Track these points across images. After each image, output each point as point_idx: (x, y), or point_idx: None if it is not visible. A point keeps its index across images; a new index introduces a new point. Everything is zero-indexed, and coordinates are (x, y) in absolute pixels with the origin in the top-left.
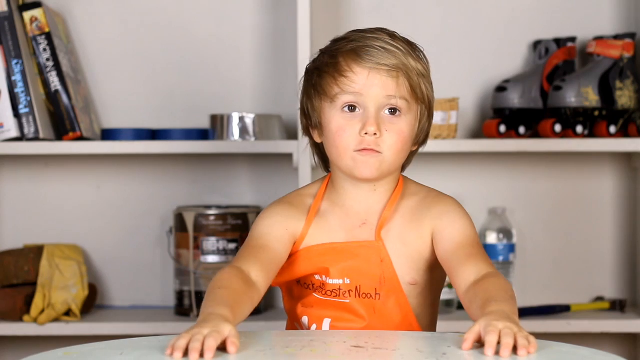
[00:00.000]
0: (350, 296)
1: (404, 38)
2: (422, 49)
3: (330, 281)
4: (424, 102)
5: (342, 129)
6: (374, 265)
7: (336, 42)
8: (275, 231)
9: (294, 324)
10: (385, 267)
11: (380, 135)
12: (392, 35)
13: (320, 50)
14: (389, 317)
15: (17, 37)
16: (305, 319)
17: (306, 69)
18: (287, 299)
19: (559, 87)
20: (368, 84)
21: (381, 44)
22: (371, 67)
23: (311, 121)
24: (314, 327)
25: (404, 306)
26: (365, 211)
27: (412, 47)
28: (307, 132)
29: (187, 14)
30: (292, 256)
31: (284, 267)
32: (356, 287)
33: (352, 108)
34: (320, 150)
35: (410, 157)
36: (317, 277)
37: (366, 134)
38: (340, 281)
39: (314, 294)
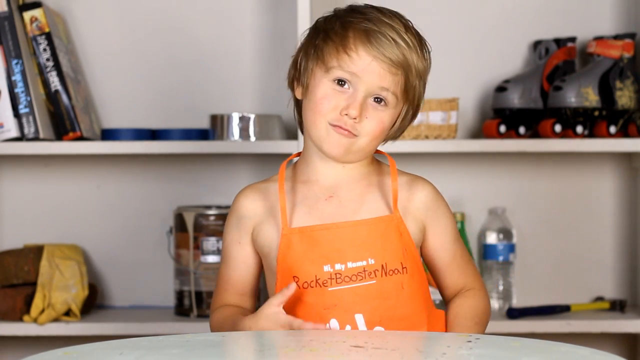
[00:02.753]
0: (376, 276)
1: (417, 32)
2: (429, 48)
3: (352, 265)
4: (412, 103)
5: (326, 98)
6: (394, 240)
7: (352, 11)
8: (240, 250)
9: None
10: (405, 240)
11: (360, 121)
12: (407, 26)
13: (335, 10)
14: (415, 294)
15: (17, 37)
16: (334, 323)
17: (316, 23)
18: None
19: (559, 87)
20: (367, 70)
21: (394, 35)
22: (376, 55)
23: (299, 77)
24: (347, 328)
25: (425, 281)
26: (332, 186)
27: (420, 44)
28: (291, 84)
29: (187, 14)
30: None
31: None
32: (382, 266)
33: (342, 83)
34: (301, 110)
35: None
36: (326, 268)
37: (346, 114)
38: (364, 262)
39: (329, 289)
